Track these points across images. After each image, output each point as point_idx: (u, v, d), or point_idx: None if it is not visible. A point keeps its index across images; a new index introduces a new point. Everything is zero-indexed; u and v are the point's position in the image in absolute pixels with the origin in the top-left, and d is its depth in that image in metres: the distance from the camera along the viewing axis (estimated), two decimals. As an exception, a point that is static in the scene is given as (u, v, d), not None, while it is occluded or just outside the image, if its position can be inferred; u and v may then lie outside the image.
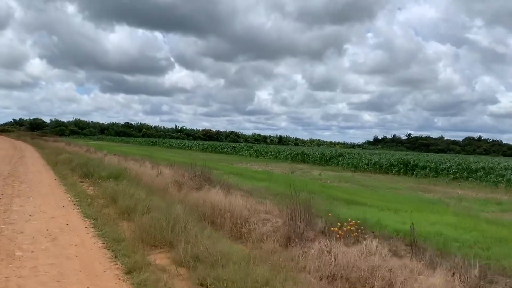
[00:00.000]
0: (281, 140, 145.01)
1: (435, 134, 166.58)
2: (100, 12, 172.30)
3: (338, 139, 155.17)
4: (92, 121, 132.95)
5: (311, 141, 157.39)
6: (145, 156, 31.18)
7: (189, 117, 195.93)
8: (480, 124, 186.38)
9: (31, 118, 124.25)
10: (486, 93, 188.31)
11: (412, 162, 26.32)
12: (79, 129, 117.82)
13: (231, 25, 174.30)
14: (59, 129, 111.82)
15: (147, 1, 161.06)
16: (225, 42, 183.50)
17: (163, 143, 68.95)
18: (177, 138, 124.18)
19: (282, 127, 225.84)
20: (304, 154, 36.68)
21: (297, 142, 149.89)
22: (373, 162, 27.23)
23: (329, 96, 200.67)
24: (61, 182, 12.29)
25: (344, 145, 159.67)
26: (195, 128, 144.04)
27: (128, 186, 10.79)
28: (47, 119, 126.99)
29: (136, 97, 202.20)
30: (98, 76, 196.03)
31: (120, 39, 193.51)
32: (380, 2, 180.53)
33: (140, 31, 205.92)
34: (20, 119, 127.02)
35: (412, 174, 24.95)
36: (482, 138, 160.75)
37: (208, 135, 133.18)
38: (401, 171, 25.36)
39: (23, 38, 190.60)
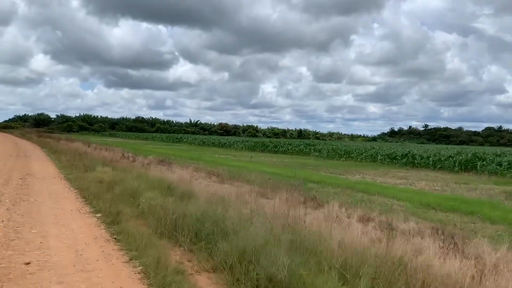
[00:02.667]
0: (300, 134, 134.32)
1: (441, 125, 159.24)
2: (104, 6, 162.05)
3: (342, 131, 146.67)
4: (100, 116, 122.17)
5: (331, 134, 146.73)
6: (208, 163, 20.55)
7: (193, 111, 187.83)
8: (488, 114, 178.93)
9: (36, 113, 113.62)
10: (493, 83, 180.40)
11: None
12: (88, 125, 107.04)
13: (236, 17, 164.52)
14: (67, 125, 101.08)
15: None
16: (230, 34, 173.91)
17: (193, 140, 57.86)
18: (193, 133, 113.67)
19: (286, 120, 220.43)
20: (415, 156, 25.89)
21: (317, 135, 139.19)
22: None
23: (334, 88, 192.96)
24: None
25: (364, 138, 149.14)
26: (210, 122, 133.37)
27: None
28: (52, 115, 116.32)
29: (140, 91, 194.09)
30: (102, 71, 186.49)
31: (124, 33, 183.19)
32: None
33: (144, 25, 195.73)
34: (25, 115, 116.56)
35: None
36: (503, 129, 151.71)
37: (225, 130, 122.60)
38: None
39: (27, 34, 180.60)
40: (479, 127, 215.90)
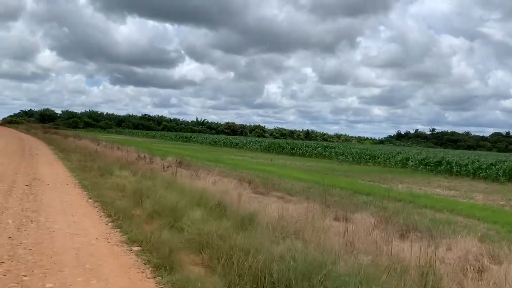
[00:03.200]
0: (308, 135, 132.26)
1: (445, 129, 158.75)
2: (111, 3, 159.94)
3: (346, 133, 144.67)
4: (106, 113, 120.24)
5: (338, 136, 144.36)
6: (230, 166, 18.31)
7: (197, 110, 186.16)
8: (493, 119, 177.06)
9: (42, 109, 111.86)
10: (499, 88, 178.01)
11: None
12: (94, 121, 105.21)
13: (243, 17, 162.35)
14: (73, 121, 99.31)
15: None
16: (237, 34, 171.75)
17: (203, 139, 55.58)
18: (200, 131, 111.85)
19: (290, 120, 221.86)
20: (451, 162, 23.67)
21: (324, 137, 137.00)
22: None
23: (339, 89, 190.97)
24: None
25: (372, 141, 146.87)
26: (217, 121, 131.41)
27: None
28: (57, 111, 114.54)
29: (145, 89, 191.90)
30: (108, 68, 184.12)
31: (131, 31, 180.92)
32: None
33: (151, 23, 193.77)
34: (30, 110, 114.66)
35: None
36: (511, 134, 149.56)
37: (232, 129, 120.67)
38: None
39: (34, 29, 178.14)
40: (484, 132, 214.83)
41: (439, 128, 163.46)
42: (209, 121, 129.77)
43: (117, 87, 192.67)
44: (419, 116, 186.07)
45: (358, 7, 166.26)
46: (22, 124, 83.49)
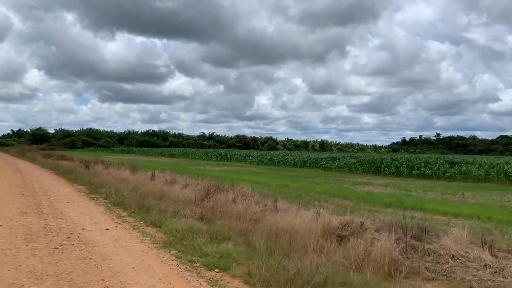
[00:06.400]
0: (323, 146, 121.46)
1: (433, 134, 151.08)
2: (100, 21, 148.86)
3: (336, 141, 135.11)
4: (103, 130, 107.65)
5: (351, 145, 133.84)
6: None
7: (187, 124, 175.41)
8: (481, 123, 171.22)
9: (33, 128, 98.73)
10: (487, 91, 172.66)
11: None
12: (93, 140, 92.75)
13: (233, 30, 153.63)
14: (70, 140, 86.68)
15: (149, 8, 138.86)
16: (227, 47, 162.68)
17: (246, 157, 43.23)
18: (209, 146, 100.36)
19: (281, 131, 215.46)
20: None
21: (339, 147, 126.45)
22: None
23: (329, 99, 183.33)
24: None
25: (384, 149, 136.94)
26: (226, 135, 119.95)
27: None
28: (49, 130, 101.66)
29: (134, 105, 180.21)
30: (96, 86, 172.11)
31: (119, 47, 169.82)
32: (383, 3, 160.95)
33: (140, 39, 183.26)
34: (20, 130, 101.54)
35: None
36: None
37: (244, 142, 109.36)
38: None
39: (21, 49, 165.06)
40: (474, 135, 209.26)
41: (426, 133, 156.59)
42: (219, 135, 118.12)
43: (106, 105, 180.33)
44: (408, 122, 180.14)
45: (347, 17, 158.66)
46: (13, 146, 70.83)
